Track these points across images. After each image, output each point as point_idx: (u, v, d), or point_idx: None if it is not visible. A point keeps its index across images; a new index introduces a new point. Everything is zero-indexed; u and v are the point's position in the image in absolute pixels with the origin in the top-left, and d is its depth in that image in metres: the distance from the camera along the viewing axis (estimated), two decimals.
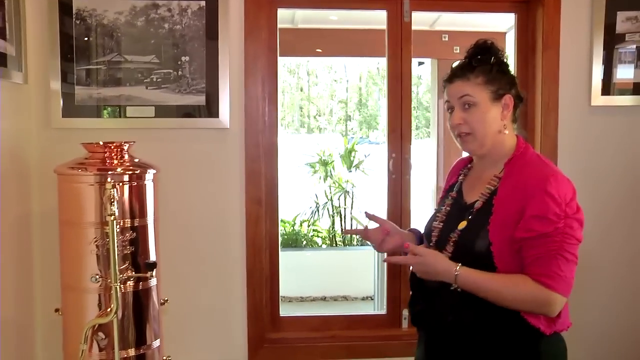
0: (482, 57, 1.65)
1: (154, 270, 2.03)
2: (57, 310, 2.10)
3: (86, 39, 2.52)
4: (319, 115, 11.60)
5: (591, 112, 2.75)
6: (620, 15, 2.72)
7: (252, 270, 2.64)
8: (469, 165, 1.81)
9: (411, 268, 1.71)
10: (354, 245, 6.84)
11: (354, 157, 7.17)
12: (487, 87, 1.63)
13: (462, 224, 1.64)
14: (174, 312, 2.45)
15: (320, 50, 6.42)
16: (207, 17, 2.53)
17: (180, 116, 2.57)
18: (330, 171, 7.20)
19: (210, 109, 2.56)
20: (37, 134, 2.52)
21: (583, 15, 2.72)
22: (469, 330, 1.60)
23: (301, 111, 11.30)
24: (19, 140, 2.42)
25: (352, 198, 6.96)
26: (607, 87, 2.74)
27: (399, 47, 2.75)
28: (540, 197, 1.52)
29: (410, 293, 1.77)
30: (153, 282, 2.10)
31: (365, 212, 1.90)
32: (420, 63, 6.75)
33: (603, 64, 2.72)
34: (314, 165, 7.23)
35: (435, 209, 1.82)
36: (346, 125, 11.58)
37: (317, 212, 6.78)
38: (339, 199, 6.92)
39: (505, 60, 1.69)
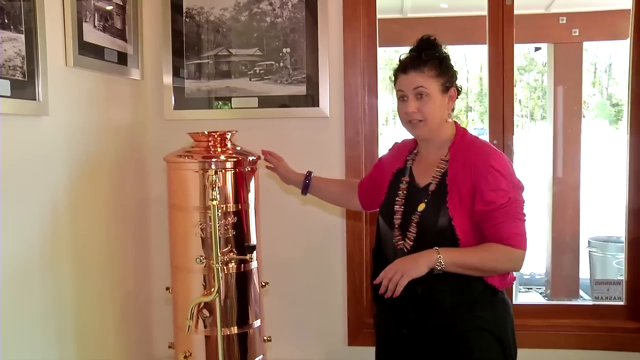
0: (429, 51, 1.82)
1: (254, 252, 2.12)
2: (167, 288, 2.27)
3: (195, 35, 2.68)
4: None
5: None
6: None
7: (352, 255, 2.69)
8: (415, 151, 1.98)
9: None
10: None
11: None
12: (438, 79, 1.82)
13: (421, 206, 1.83)
14: (275, 295, 2.55)
15: None
16: (306, 10, 2.60)
17: (282, 106, 2.66)
18: None
19: (311, 98, 2.64)
20: (152, 126, 2.72)
21: None
22: (437, 298, 1.79)
23: None
24: (137, 131, 2.62)
25: None
26: None
27: (500, 31, 2.68)
28: (490, 172, 1.74)
29: (372, 270, 1.96)
30: (254, 264, 2.19)
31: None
32: (537, 49, 6.43)
33: None
34: None
35: (389, 191, 1.96)
36: (467, 116, 11.28)
37: None
38: None
39: (447, 56, 1.86)
